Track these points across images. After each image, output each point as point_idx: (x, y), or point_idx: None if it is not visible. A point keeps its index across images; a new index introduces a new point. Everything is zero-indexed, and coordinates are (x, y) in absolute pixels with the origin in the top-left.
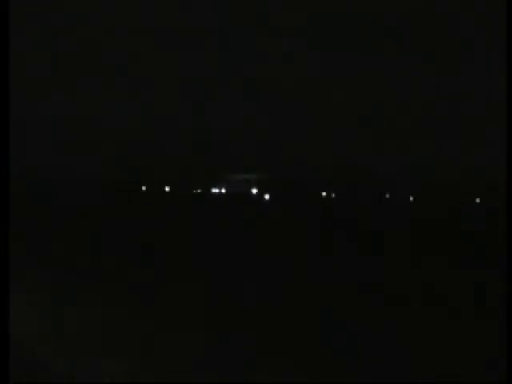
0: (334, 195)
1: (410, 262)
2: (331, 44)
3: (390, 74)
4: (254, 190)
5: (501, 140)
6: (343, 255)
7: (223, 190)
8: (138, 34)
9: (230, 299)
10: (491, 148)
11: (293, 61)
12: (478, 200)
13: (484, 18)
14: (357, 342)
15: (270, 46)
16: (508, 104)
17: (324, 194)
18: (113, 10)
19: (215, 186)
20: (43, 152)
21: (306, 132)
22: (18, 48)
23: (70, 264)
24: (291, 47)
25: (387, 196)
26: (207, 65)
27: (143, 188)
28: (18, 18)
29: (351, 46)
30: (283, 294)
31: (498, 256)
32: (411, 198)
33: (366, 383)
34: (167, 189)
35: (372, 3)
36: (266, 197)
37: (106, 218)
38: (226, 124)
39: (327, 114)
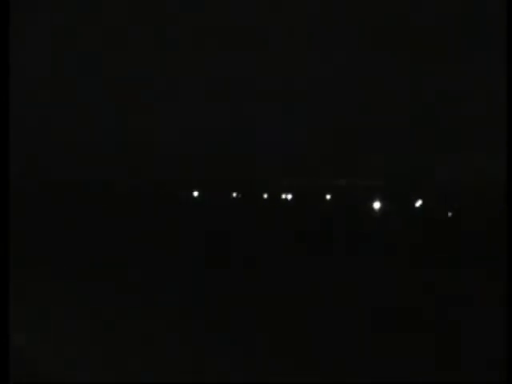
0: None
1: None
2: (331, 44)
3: (390, 74)
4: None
5: (501, 140)
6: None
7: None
8: (137, 34)
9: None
10: (491, 148)
11: (293, 60)
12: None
13: (484, 18)
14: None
15: (269, 45)
16: (508, 104)
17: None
18: (113, 10)
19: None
20: (43, 151)
21: (306, 132)
22: (18, 48)
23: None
24: (291, 47)
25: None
26: (207, 65)
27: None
28: (17, 18)
29: (351, 46)
30: None
31: (498, 256)
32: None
33: (366, 383)
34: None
35: (372, 3)
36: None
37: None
38: (226, 124)
39: (327, 115)
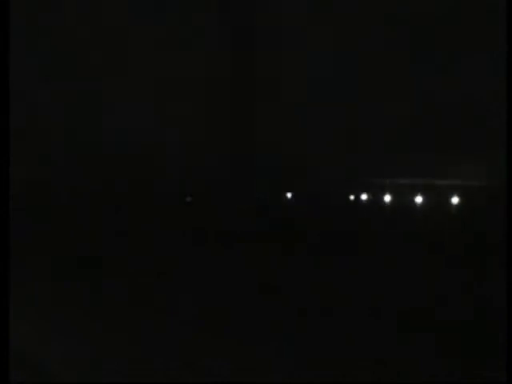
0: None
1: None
2: (331, 44)
3: (391, 74)
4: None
5: (501, 140)
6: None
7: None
8: (137, 34)
9: None
10: (491, 148)
11: (293, 61)
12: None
13: (484, 18)
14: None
15: (269, 45)
16: (508, 104)
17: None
18: (113, 10)
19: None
20: (43, 151)
21: (306, 132)
22: (18, 48)
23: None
24: (290, 47)
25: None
26: (207, 65)
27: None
28: (16, 19)
29: (351, 46)
30: None
31: (498, 256)
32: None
33: (366, 383)
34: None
35: (372, 3)
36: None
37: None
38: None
39: (327, 114)
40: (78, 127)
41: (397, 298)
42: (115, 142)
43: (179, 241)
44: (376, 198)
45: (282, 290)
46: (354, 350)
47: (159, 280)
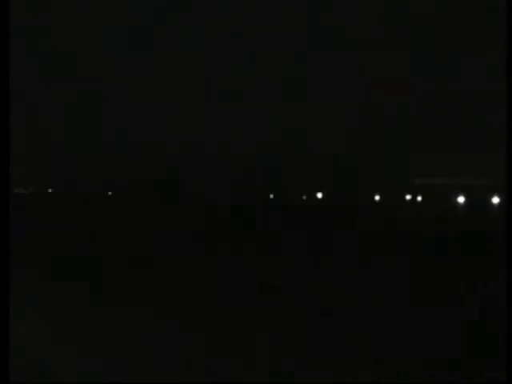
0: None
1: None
2: (331, 44)
3: (391, 74)
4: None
5: (501, 140)
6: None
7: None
8: (137, 34)
9: None
10: (491, 148)
11: (293, 61)
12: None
13: (484, 18)
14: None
15: (269, 45)
16: (508, 104)
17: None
18: (112, 10)
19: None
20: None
21: (306, 132)
22: (18, 48)
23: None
24: (291, 47)
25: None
26: (207, 65)
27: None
28: (16, 18)
29: (351, 46)
30: None
31: (498, 255)
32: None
33: (366, 383)
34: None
35: (373, 3)
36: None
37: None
38: (225, 124)
39: (327, 114)
40: (78, 127)
41: (396, 298)
42: (115, 142)
43: (179, 241)
44: (392, 198)
45: (282, 290)
46: (354, 350)
47: (159, 280)
